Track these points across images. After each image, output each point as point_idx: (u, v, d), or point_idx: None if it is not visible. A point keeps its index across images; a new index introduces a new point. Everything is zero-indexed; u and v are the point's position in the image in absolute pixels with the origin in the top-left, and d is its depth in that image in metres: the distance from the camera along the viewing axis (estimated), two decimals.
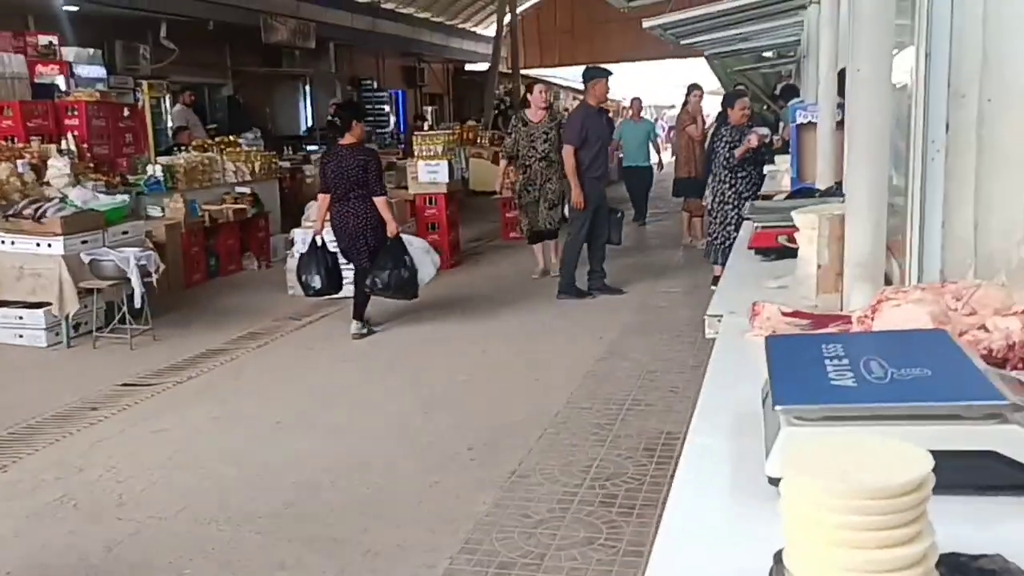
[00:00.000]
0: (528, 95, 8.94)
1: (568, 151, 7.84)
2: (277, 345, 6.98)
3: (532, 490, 4.08)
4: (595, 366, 6.01)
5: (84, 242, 7.07)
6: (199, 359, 6.52)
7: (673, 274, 9.26)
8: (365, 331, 7.03)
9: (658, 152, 13.34)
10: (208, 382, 6.02)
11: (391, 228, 6.82)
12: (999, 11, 1.93)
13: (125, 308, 6.85)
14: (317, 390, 5.80)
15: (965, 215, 1.97)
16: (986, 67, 1.94)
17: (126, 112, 10.01)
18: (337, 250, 7.07)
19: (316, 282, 6.97)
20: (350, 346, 6.84)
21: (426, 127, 16.06)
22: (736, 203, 7.13)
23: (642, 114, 13.90)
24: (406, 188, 10.49)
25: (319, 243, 7.02)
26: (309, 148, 15.00)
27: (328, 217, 6.94)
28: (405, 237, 7.02)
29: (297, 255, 8.40)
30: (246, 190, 10.28)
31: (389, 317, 7.54)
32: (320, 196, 7.04)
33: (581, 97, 9.03)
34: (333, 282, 7.06)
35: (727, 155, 7.94)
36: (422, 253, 7.04)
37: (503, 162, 9.19)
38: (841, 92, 3.67)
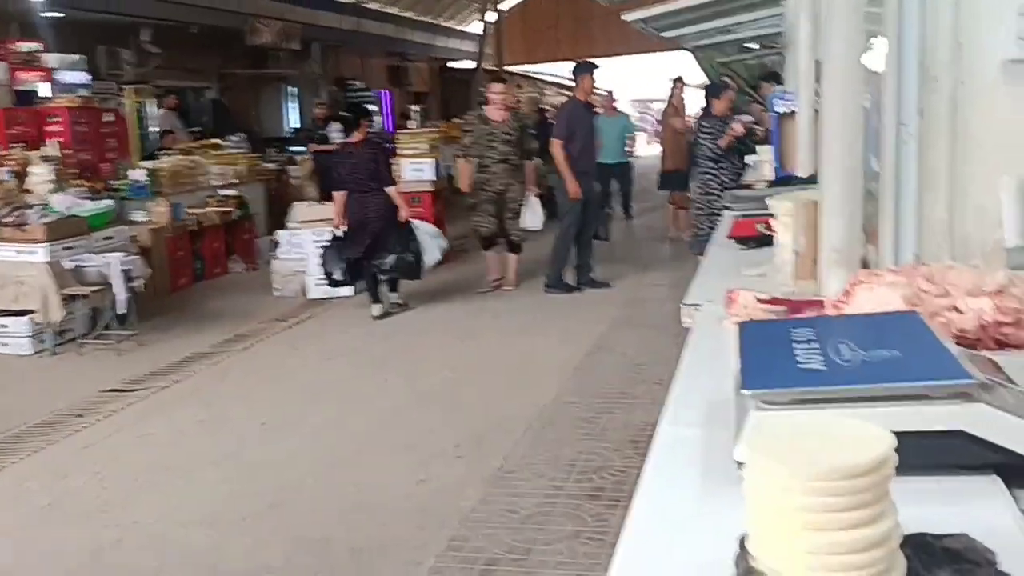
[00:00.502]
0: (488, 92, 8.26)
1: (556, 145, 7.84)
2: (263, 347, 6.95)
3: (519, 485, 4.07)
4: (582, 360, 6.01)
5: (68, 248, 7.02)
6: (185, 363, 6.48)
7: (659, 267, 9.26)
8: (385, 312, 7.56)
9: (632, 147, 12.84)
10: (194, 386, 5.98)
11: (403, 214, 7.45)
12: None
13: (110, 314, 6.81)
14: (303, 390, 5.78)
15: (939, 198, 1.96)
16: (958, 50, 1.94)
17: (109, 117, 9.94)
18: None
19: (338, 274, 7.47)
20: (336, 345, 6.82)
21: (412, 126, 16.03)
22: (720, 193, 7.15)
23: (616, 107, 12.88)
24: None
25: (340, 235, 7.44)
26: (294, 150, 14.93)
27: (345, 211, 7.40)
28: (413, 222, 7.64)
29: (281, 255, 8.42)
30: (231, 192, 10.24)
31: (371, 318, 7.52)
32: (336, 194, 7.48)
33: (568, 94, 9.03)
34: (354, 273, 7.52)
35: (712, 146, 7.96)
36: (429, 238, 7.67)
37: (461, 161, 8.43)
38: (820, 81, 3.68)
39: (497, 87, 8.27)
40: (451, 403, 5.31)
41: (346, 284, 7.68)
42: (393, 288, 7.72)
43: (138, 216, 8.81)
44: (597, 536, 3.53)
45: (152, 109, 12.46)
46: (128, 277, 6.76)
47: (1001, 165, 1.94)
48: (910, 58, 1.92)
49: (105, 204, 7.87)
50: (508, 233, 8.20)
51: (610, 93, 12.83)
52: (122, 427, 5.22)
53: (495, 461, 4.36)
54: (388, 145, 9.60)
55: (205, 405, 5.56)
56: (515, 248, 8.33)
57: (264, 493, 4.17)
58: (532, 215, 8.19)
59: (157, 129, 12.27)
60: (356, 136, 7.57)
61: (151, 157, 10.74)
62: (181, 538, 3.78)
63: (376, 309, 7.47)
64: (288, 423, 5.14)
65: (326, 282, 7.70)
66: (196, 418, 5.33)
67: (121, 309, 6.76)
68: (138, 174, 9.24)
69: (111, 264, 6.70)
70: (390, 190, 7.38)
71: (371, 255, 7.33)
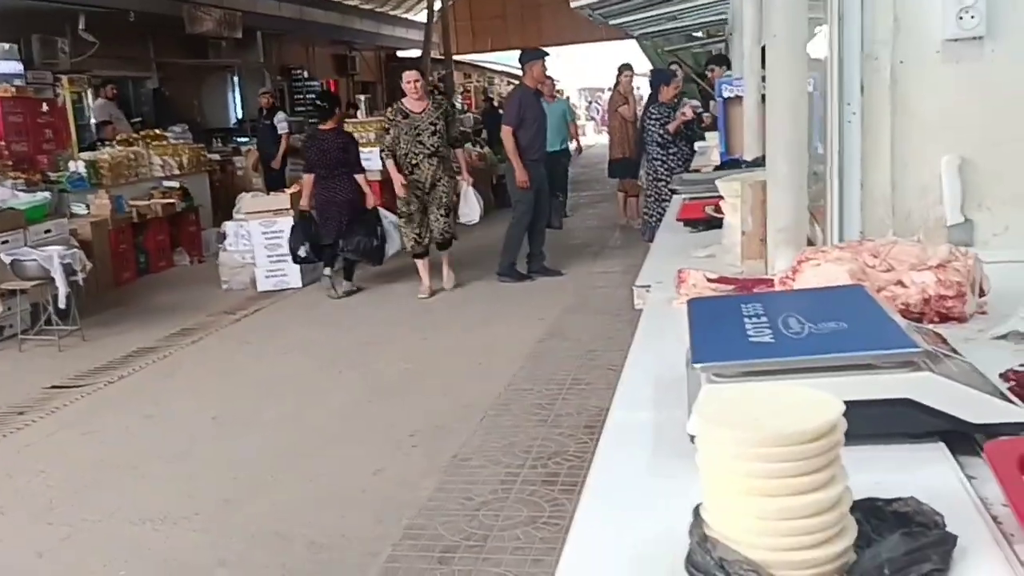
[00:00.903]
0: (403, 82, 7.60)
1: (506, 131, 7.81)
2: (212, 341, 6.84)
3: (475, 473, 4.07)
4: (536, 347, 6.02)
5: (4, 242, 6.83)
6: (130, 358, 6.35)
7: (610, 254, 9.31)
8: (349, 290, 7.93)
9: (575, 136, 12.14)
10: (140, 381, 5.87)
11: (370, 200, 7.85)
12: None
13: (51, 309, 6.64)
14: (255, 384, 5.70)
15: (882, 176, 2.00)
16: (897, 29, 1.97)
17: (45, 107, 9.67)
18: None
19: (302, 251, 7.76)
20: (288, 339, 6.74)
21: (359, 115, 15.87)
22: (669, 179, 7.21)
23: (555, 94, 12.51)
24: None
25: (308, 217, 7.69)
26: (239, 140, 14.70)
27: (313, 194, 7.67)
28: (381, 211, 7.97)
29: (228, 247, 8.31)
30: (175, 184, 10.05)
31: (324, 308, 7.44)
32: (305, 176, 7.78)
33: (515, 82, 8.97)
34: (317, 251, 7.80)
35: (660, 132, 8.03)
36: (393, 228, 7.94)
37: (389, 162, 7.57)
38: (764, 66, 3.72)
39: (410, 74, 7.58)
40: (406, 395, 5.29)
41: (309, 262, 7.94)
42: (348, 275, 7.98)
43: (78, 209, 8.61)
44: (553, 521, 3.54)
45: (90, 99, 12.16)
46: (68, 271, 6.59)
47: (942, 143, 1.99)
48: (851, 38, 1.95)
49: (42, 196, 7.68)
50: (438, 230, 7.65)
51: (549, 79, 12.62)
52: (66, 424, 5.10)
53: (450, 450, 4.35)
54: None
55: (152, 401, 5.46)
56: (444, 245, 7.79)
57: (217, 488, 4.11)
58: (468, 207, 7.78)
59: (95, 120, 11.97)
60: (329, 124, 7.97)
61: (91, 148, 10.49)
62: (131, 536, 3.71)
63: (342, 287, 7.88)
64: (240, 418, 5.07)
65: (290, 258, 7.96)
66: (143, 413, 5.22)
67: (62, 304, 6.59)
68: (77, 166, 9.01)
69: (50, 258, 6.52)
70: (359, 176, 7.80)
71: (338, 237, 7.69)
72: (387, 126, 7.63)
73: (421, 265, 7.74)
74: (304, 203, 7.72)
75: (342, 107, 9.05)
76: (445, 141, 7.52)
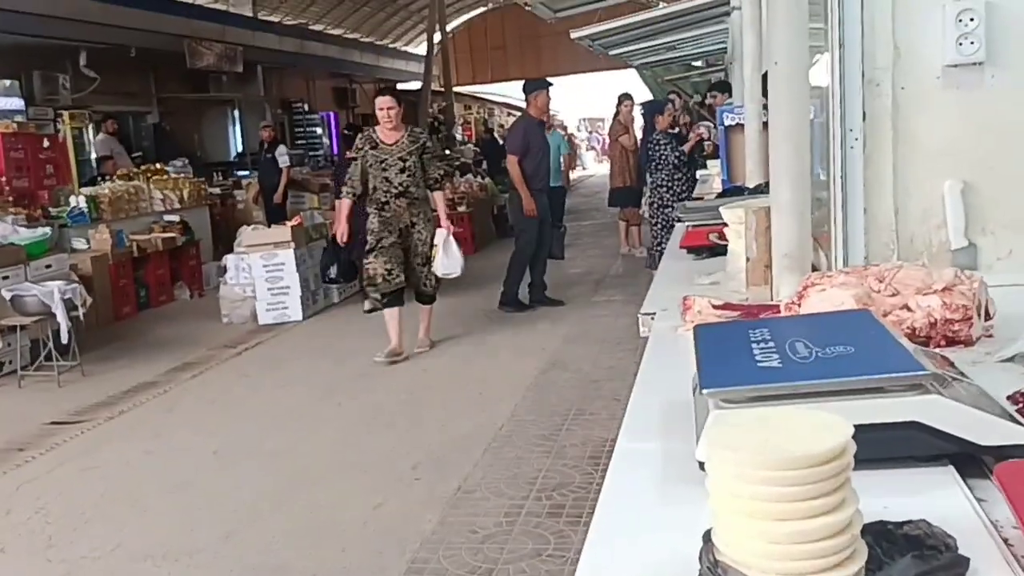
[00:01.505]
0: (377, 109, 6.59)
1: (512, 160, 7.83)
2: (212, 375, 6.81)
3: (478, 505, 4.03)
4: (538, 378, 5.99)
5: (5, 278, 6.83)
6: (131, 393, 6.32)
7: (612, 283, 9.31)
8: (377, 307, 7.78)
9: (568, 169, 11.58)
10: (140, 416, 5.84)
11: None
12: (906, 1, 1.97)
13: (51, 344, 6.62)
14: (256, 417, 5.67)
15: (885, 201, 2.00)
16: (898, 56, 1.99)
17: (46, 143, 9.71)
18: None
19: (332, 272, 8.23)
20: (288, 371, 6.71)
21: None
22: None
23: (552, 126, 12.21)
24: (334, 209, 10.37)
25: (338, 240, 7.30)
26: (240, 174, 14.76)
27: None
28: None
29: (229, 281, 8.32)
30: (175, 218, 10.07)
31: (324, 340, 7.43)
32: (337, 202, 7.38)
33: (516, 113, 8.99)
34: (345, 272, 8.24)
35: (675, 155, 8.12)
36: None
37: (341, 201, 6.68)
38: (766, 93, 3.75)
39: (383, 100, 6.52)
40: (407, 426, 5.26)
41: (337, 282, 8.45)
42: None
43: (79, 244, 8.62)
44: (558, 554, 3.50)
45: (91, 135, 12.24)
46: (69, 306, 6.58)
47: (945, 168, 1.99)
48: (852, 64, 1.96)
49: (42, 232, 7.68)
50: (418, 282, 6.70)
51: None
52: (66, 460, 5.06)
53: (453, 482, 4.31)
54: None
55: (153, 435, 5.43)
56: (425, 298, 6.85)
57: (217, 523, 4.07)
58: (449, 259, 6.70)
59: (96, 155, 12.05)
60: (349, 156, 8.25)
61: (91, 183, 10.53)
62: (131, 572, 3.66)
63: (367, 304, 8.06)
64: (241, 451, 5.04)
65: (323, 280, 8.48)
66: (144, 449, 5.19)
67: (63, 339, 6.58)
68: (78, 201, 9.04)
69: (51, 293, 6.52)
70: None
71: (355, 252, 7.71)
72: (353, 156, 6.61)
73: (389, 316, 6.64)
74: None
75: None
76: (418, 180, 6.50)
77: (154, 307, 9.37)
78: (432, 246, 6.59)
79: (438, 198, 6.70)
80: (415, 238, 6.56)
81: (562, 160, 11.06)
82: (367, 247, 6.62)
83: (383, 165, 6.44)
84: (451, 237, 6.74)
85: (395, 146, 6.47)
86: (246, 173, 14.56)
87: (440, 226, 6.67)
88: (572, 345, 6.83)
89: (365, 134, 6.70)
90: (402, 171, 6.43)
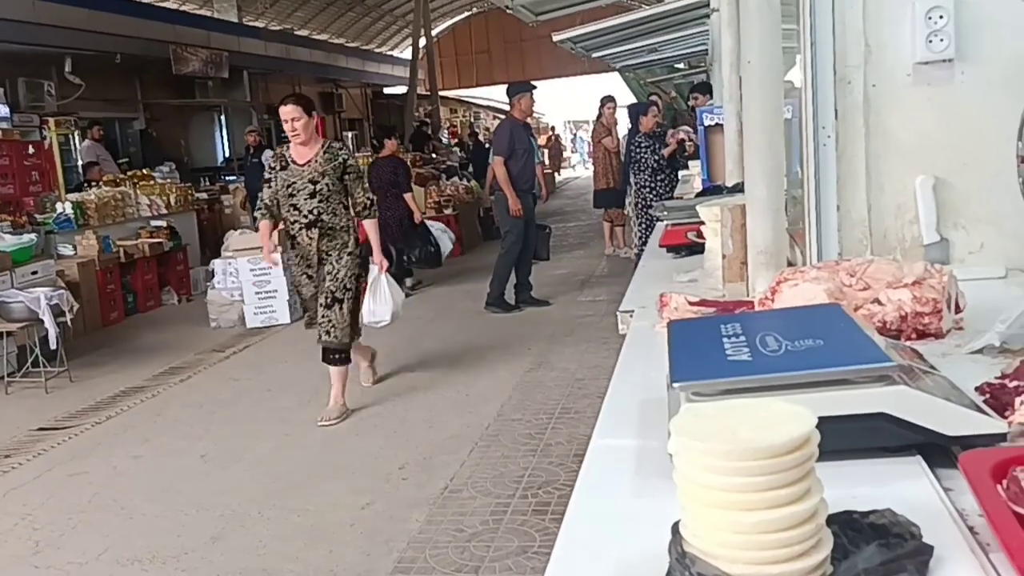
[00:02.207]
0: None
1: (498, 162, 7.86)
2: (200, 379, 6.80)
3: (465, 504, 4.05)
4: (524, 377, 6.01)
5: None
6: (118, 398, 6.31)
7: (597, 283, 9.34)
8: (413, 285, 9.34)
9: (542, 180, 9.92)
10: (128, 421, 5.82)
11: (417, 216, 9.16)
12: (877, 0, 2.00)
13: (38, 350, 6.60)
14: (243, 421, 5.67)
15: (858, 197, 2.03)
16: (869, 54, 2.01)
17: (31, 150, 9.68)
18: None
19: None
20: (276, 374, 6.71)
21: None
22: None
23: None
24: None
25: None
26: (227, 179, 14.73)
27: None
28: (427, 222, 9.41)
29: (217, 285, 8.31)
30: (162, 223, 10.05)
31: (312, 343, 7.42)
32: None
33: (503, 116, 9.00)
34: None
35: (655, 159, 8.17)
36: (440, 232, 9.41)
37: (262, 223, 5.54)
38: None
39: (286, 110, 5.26)
40: (394, 427, 5.26)
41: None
42: (409, 274, 9.40)
43: (65, 250, 8.59)
44: (544, 551, 3.52)
45: (77, 141, 12.19)
46: (56, 312, 6.56)
47: (916, 164, 2.02)
48: (824, 63, 1.99)
49: (28, 239, 7.66)
50: (320, 331, 5.42)
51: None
52: (54, 466, 5.05)
53: (440, 482, 4.33)
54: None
55: (141, 440, 5.42)
56: (330, 356, 5.46)
57: (206, 526, 4.07)
58: (376, 303, 5.74)
59: (82, 161, 12.00)
60: (385, 152, 9.65)
61: (78, 189, 10.49)
62: None
63: (405, 286, 8.69)
64: (229, 455, 5.03)
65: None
66: (132, 454, 5.18)
67: (51, 345, 6.56)
68: (64, 207, 9.01)
69: (37, 299, 6.50)
70: (407, 195, 9.05)
71: (393, 245, 8.77)
72: (268, 176, 5.49)
73: (335, 376, 5.48)
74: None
75: (395, 138, 10.22)
76: (333, 207, 5.33)
77: (142, 312, 9.35)
78: (347, 287, 5.36)
79: (369, 228, 5.53)
80: (326, 273, 5.36)
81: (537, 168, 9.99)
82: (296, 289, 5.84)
83: (291, 190, 5.32)
84: (384, 276, 5.75)
85: (306, 167, 5.30)
86: (233, 178, 14.52)
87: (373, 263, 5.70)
88: (558, 344, 6.85)
89: (277, 152, 5.63)
90: (312, 195, 5.27)
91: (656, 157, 8.28)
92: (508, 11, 6.31)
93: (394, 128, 12.08)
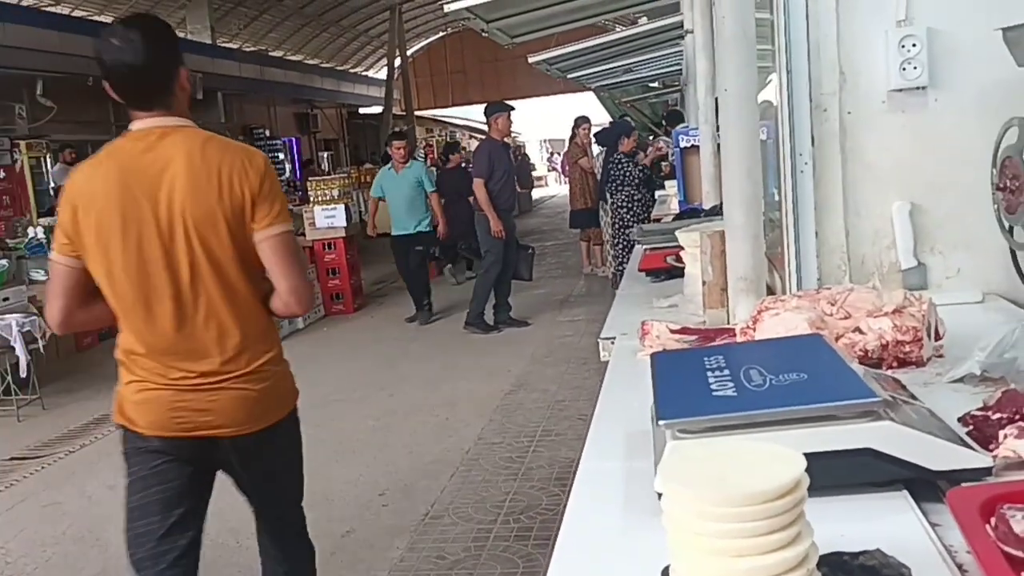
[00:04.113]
0: None
1: (479, 184, 7.86)
2: None
3: (446, 531, 4.01)
4: (504, 400, 5.99)
5: None
6: (92, 426, 6.21)
7: (576, 303, 9.35)
8: (469, 276, 10.58)
9: (436, 211, 8.87)
10: (103, 449, 5.73)
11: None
12: (851, 29, 2.02)
13: (9, 378, 6.50)
14: None
15: (836, 223, 2.04)
16: (844, 81, 2.03)
17: (2, 174, 9.59)
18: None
19: (435, 252, 9.79)
20: None
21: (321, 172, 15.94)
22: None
23: (415, 157, 9.91)
24: (303, 235, 10.33)
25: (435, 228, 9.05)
26: None
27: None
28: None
29: None
30: None
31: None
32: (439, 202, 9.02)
33: (480, 136, 9.01)
34: (444, 252, 10.49)
35: (638, 170, 8.27)
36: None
37: None
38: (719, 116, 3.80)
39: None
40: (374, 453, 5.22)
41: (437, 258, 10.34)
42: (469, 267, 10.80)
43: (37, 275, 8.46)
44: None
45: (50, 164, 12.08)
46: (28, 339, 6.46)
47: (893, 189, 2.04)
48: (800, 89, 2.01)
49: None
50: None
51: (400, 142, 9.17)
52: (26, 497, 4.96)
53: (421, 508, 4.29)
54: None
55: (115, 469, 5.27)
56: None
57: None
58: None
59: (54, 185, 11.87)
60: (451, 164, 11.58)
61: (50, 213, 10.37)
62: None
63: (463, 275, 10.82)
64: None
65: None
66: (107, 483, 5.09)
67: (22, 373, 6.45)
68: (36, 232, 8.90)
69: (9, 326, 6.40)
70: (470, 199, 9.12)
71: (457, 240, 10.06)
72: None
73: None
74: (439, 220, 8.85)
75: (458, 151, 12.37)
76: None
77: (116, 337, 9.22)
78: None
79: None
80: None
81: (426, 200, 8.87)
82: None
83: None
84: None
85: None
86: None
87: None
88: (538, 365, 6.84)
89: None
90: None
91: (639, 168, 8.39)
92: (484, 34, 6.34)
93: (457, 144, 14.70)
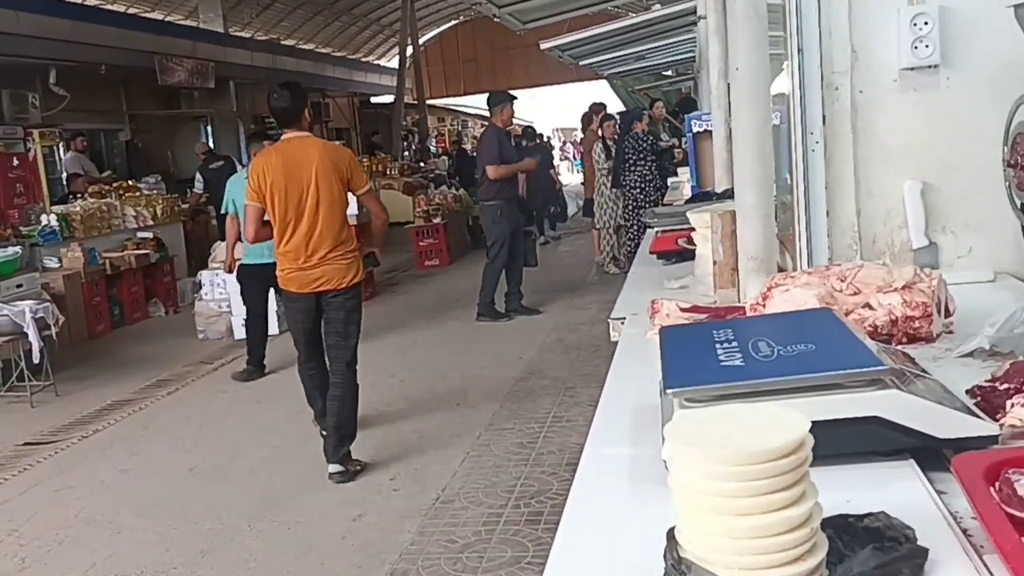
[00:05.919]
0: None
1: (491, 169, 7.83)
2: (188, 391, 6.76)
3: (457, 515, 4.03)
4: (515, 386, 6.00)
5: None
6: (105, 411, 6.26)
7: (587, 291, 9.33)
8: (554, 237, 13.50)
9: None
10: (115, 434, 5.78)
11: (556, 184, 13.91)
12: (863, 7, 2.01)
13: (23, 364, 6.54)
14: (232, 433, 5.63)
15: (847, 202, 2.03)
16: (855, 60, 2.02)
17: (16, 162, 9.63)
18: None
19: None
20: (264, 387, 6.67)
21: None
22: None
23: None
24: None
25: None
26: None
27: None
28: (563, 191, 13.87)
29: (204, 297, 8.28)
30: (148, 235, 9.99)
31: None
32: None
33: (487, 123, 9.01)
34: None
35: (650, 140, 8.37)
36: (569, 198, 13.74)
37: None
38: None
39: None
40: (385, 438, 5.24)
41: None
42: (552, 227, 13.11)
43: (51, 262, 8.53)
44: (537, 561, 3.51)
45: (62, 153, 12.12)
46: (41, 325, 6.51)
47: (904, 168, 2.03)
48: (811, 70, 2.00)
49: (13, 251, 7.60)
50: None
51: (264, 143, 6.95)
52: (40, 481, 5.00)
53: (432, 492, 4.31)
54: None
55: (128, 454, 5.38)
56: None
57: (195, 541, 4.04)
58: None
59: (67, 172, 11.93)
60: (533, 144, 13.32)
61: (63, 201, 10.43)
62: None
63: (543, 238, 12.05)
64: (218, 468, 5.00)
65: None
66: (119, 467, 5.14)
67: (35, 359, 6.50)
68: (49, 219, 8.96)
69: (22, 313, 6.44)
70: (550, 171, 12.07)
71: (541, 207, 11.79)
72: None
73: None
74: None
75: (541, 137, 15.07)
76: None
77: (128, 324, 9.29)
78: None
79: None
80: None
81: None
82: None
83: None
84: None
85: None
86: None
87: None
88: (549, 353, 6.84)
89: None
90: None
91: (648, 141, 8.50)
92: (496, 19, 6.32)
93: (532, 130, 16.74)
